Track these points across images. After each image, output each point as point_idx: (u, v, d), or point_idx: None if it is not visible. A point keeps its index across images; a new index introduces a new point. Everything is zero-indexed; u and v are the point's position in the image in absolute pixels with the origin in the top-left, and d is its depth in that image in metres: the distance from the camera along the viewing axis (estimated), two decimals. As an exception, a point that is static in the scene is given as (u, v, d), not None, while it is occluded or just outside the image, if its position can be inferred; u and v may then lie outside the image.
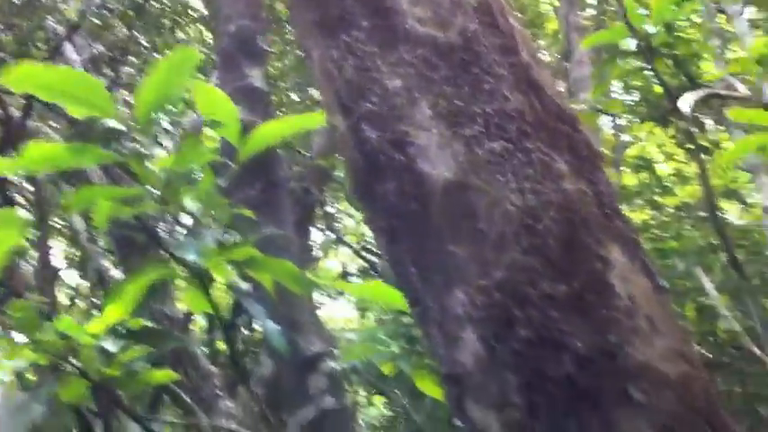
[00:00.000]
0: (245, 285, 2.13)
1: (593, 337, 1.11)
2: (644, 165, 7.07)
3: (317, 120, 2.08)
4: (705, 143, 7.50)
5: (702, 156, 7.38)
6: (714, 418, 1.13)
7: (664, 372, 1.11)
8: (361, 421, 7.78)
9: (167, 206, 1.88)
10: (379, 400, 7.45)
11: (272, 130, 2.08)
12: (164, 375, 2.41)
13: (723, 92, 2.95)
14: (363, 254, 8.45)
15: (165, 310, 4.58)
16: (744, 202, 6.24)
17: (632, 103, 7.23)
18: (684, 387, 1.12)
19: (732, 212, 6.38)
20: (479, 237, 1.19)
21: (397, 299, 1.90)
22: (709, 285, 4.53)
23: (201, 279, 2.00)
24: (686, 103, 2.68)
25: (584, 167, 1.24)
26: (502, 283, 1.15)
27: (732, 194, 6.35)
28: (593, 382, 1.09)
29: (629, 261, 1.18)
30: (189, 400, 3.73)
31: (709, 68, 4.98)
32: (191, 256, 1.89)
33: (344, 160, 1.38)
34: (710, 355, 4.94)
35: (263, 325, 2.13)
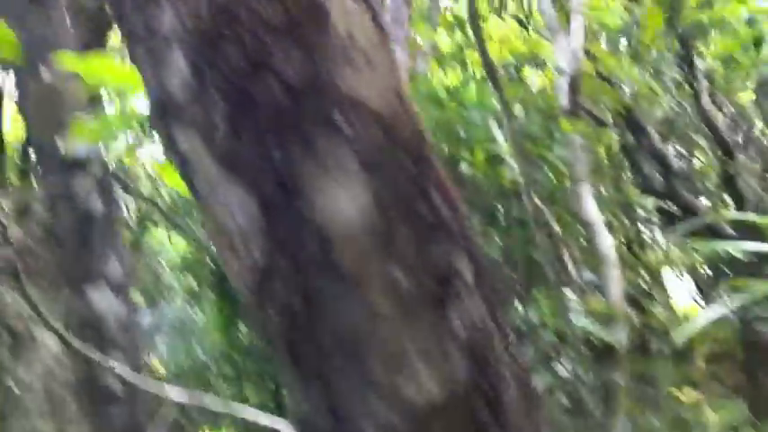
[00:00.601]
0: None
1: (304, 65, 1.08)
2: (458, 26, 7.16)
3: None
4: (522, 16, 7.72)
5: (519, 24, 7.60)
6: (422, 159, 1.15)
7: (373, 107, 1.11)
8: (163, 261, 7.70)
9: None
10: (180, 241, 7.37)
11: None
12: None
13: None
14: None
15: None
16: (543, 67, 6.53)
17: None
18: (393, 124, 1.12)
19: (533, 76, 6.66)
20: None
21: (130, 78, 1.77)
22: (498, 135, 4.74)
23: None
24: None
25: None
26: (215, 2, 1.08)
27: (534, 60, 6.61)
28: (299, 109, 1.07)
29: (353, -3, 1.15)
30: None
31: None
32: None
33: None
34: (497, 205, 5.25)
35: None
